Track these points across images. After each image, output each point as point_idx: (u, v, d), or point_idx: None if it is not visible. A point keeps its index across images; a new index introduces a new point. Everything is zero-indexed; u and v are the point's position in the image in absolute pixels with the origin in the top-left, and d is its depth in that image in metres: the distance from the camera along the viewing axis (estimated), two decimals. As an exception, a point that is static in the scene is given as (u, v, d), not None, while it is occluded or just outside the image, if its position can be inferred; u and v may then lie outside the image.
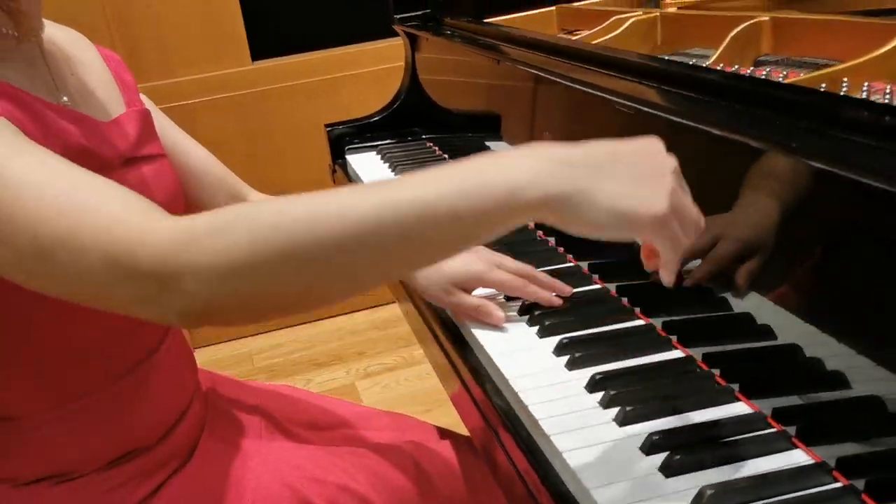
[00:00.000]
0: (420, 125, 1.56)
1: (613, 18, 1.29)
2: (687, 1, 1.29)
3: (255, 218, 0.55)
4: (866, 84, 0.82)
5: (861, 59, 0.83)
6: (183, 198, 0.92)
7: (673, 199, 0.56)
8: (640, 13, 1.28)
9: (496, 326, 0.83)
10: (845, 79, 0.82)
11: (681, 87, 0.78)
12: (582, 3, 1.52)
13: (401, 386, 2.21)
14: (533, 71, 1.06)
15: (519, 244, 1.01)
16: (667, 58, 1.10)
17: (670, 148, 0.60)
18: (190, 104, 2.38)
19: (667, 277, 0.61)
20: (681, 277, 0.62)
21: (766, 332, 0.65)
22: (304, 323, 2.60)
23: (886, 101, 0.78)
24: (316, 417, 1.01)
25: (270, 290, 0.55)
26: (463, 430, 0.89)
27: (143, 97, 0.94)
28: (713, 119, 0.70)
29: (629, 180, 0.56)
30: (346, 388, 2.22)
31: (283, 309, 0.58)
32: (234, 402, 0.98)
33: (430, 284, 0.89)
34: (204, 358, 2.42)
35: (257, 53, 2.44)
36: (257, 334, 2.55)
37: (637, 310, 0.83)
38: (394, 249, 0.55)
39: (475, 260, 0.88)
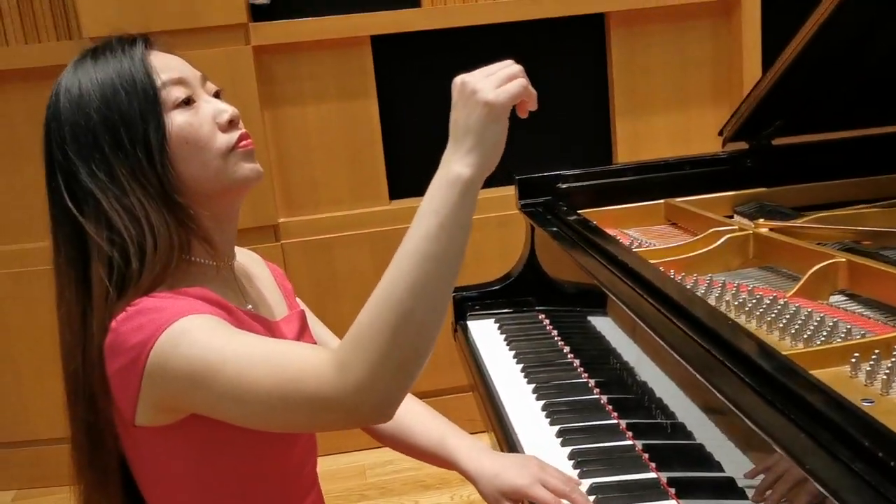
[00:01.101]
0: (534, 296, 1.76)
1: (712, 230, 1.46)
2: (777, 224, 1.44)
3: (359, 328, 0.83)
4: (913, 355, 0.95)
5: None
6: None
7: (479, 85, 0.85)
8: (736, 228, 1.45)
9: None
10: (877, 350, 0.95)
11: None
12: (687, 199, 1.70)
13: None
14: (612, 296, 1.23)
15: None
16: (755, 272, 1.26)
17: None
18: (330, 238, 2.67)
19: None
20: None
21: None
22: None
23: (929, 374, 0.91)
24: None
25: (403, 354, 0.82)
26: None
27: (297, 300, 1.20)
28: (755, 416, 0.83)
29: (473, 122, 0.85)
30: (449, 514, 2.38)
31: (419, 356, 0.83)
32: None
33: (485, 492, 1.10)
34: (322, 468, 2.63)
35: (395, 194, 2.73)
36: (371, 449, 2.75)
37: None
38: (432, 271, 0.82)
39: (524, 474, 1.06)
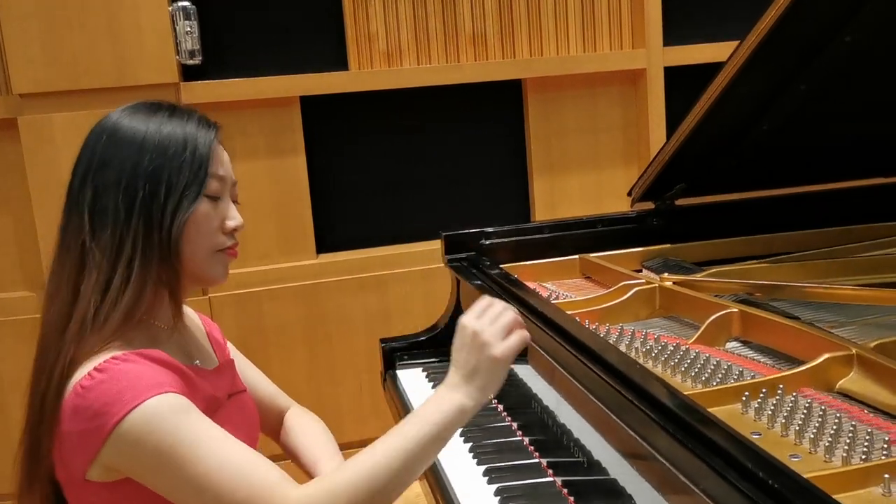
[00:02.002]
0: (460, 345, 1.85)
1: (622, 284, 1.60)
2: (679, 278, 1.58)
3: (344, 489, 0.92)
4: (795, 393, 1.09)
5: (793, 372, 1.11)
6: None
7: (487, 339, 1.03)
8: (644, 282, 1.59)
9: None
10: (781, 385, 1.09)
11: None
12: (599, 255, 1.84)
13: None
14: (537, 348, 1.34)
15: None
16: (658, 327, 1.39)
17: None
18: (258, 291, 2.72)
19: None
20: None
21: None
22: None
23: (806, 408, 1.04)
24: None
25: None
26: None
27: (229, 346, 1.27)
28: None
29: (484, 369, 1.03)
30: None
31: None
32: None
33: None
34: None
35: (322, 248, 2.80)
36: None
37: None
38: (419, 462, 0.99)
39: None
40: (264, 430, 1.32)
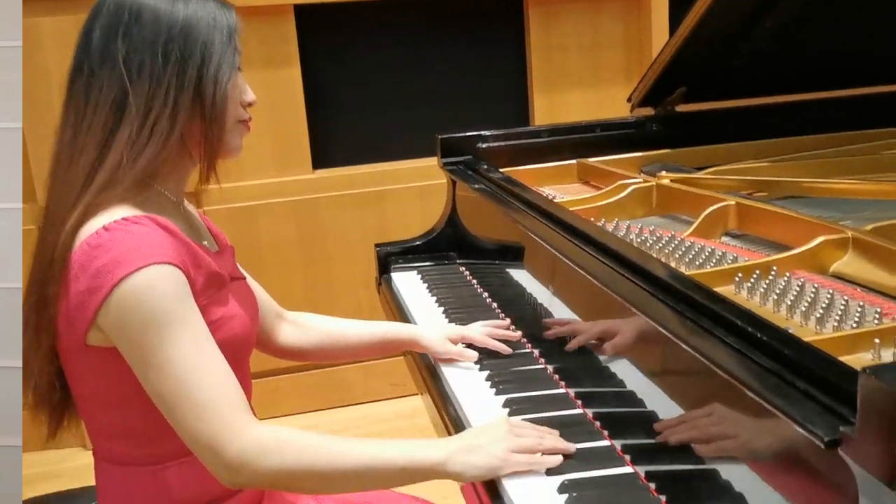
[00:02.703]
0: (456, 250, 1.85)
1: (619, 183, 1.58)
2: (678, 176, 1.57)
3: (294, 449, 0.95)
4: (788, 274, 1.08)
5: (787, 254, 1.10)
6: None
7: (508, 446, 0.97)
8: (641, 181, 1.57)
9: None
10: (775, 267, 1.09)
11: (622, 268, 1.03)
12: (597, 159, 1.81)
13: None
14: (540, 241, 1.33)
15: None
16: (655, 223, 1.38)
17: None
18: (253, 205, 2.71)
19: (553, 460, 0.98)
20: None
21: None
22: (337, 407, 2.86)
23: (799, 287, 1.03)
24: (348, 499, 1.26)
25: (292, 487, 1.02)
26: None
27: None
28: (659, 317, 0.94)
29: (484, 453, 0.97)
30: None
31: (299, 493, 1.07)
32: None
33: (431, 340, 1.35)
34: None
35: (319, 163, 2.78)
36: (294, 415, 2.81)
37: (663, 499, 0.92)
38: (362, 481, 0.99)
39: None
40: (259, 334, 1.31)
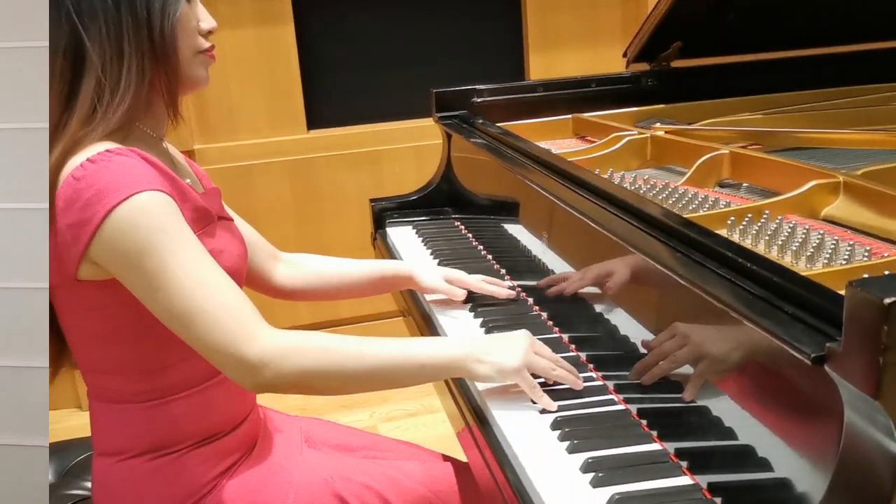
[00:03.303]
0: (451, 206, 1.85)
1: (613, 135, 1.58)
2: (673, 128, 1.57)
3: (314, 349, 0.97)
4: (780, 217, 1.09)
5: (779, 199, 1.10)
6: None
7: (525, 358, 1.00)
8: (636, 133, 1.57)
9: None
10: (767, 211, 1.09)
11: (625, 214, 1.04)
12: (592, 114, 1.81)
13: (419, 430, 2.47)
14: (535, 187, 1.33)
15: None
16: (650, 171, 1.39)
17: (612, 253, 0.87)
18: (248, 165, 2.70)
19: (544, 402, 1.00)
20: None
21: (765, 464, 0.74)
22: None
23: (790, 229, 1.04)
24: (345, 442, 1.27)
25: (315, 389, 1.00)
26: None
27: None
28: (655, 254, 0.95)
29: (501, 353, 1.01)
30: (369, 430, 2.47)
31: (320, 394, 1.04)
32: (281, 422, 1.25)
33: (427, 277, 1.37)
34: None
35: (313, 124, 2.77)
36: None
37: (654, 434, 0.93)
38: (385, 379, 1.01)
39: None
40: (252, 273, 1.31)
